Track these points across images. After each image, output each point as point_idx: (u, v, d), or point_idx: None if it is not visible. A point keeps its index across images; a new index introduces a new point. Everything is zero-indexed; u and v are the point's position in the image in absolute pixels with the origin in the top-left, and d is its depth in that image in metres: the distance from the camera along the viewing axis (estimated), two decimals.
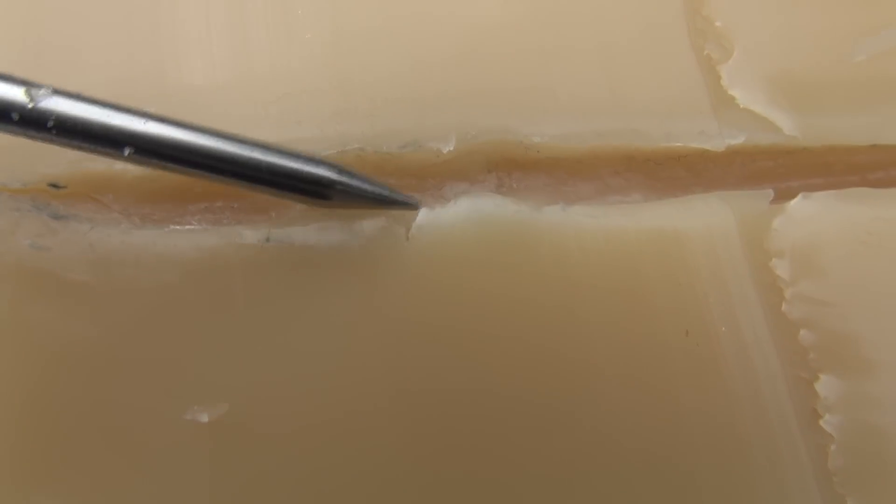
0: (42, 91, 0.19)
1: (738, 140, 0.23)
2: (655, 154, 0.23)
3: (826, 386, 0.21)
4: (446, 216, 0.22)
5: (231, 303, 0.22)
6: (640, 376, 0.21)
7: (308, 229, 0.22)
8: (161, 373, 0.22)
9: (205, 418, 0.21)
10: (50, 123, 0.19)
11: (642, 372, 0.21)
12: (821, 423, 0.21)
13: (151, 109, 0.19)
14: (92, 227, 0.23)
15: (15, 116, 0.18)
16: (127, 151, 0.19)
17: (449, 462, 0.21)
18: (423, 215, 0.22)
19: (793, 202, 0.22)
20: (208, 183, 0.23)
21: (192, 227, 0.23)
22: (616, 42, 0.23)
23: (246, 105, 0.23)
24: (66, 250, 0.22)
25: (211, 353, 0.22)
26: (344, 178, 0.20)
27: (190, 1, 0.24)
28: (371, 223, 0.23)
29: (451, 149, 0.23)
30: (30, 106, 0.18)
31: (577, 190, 0.24)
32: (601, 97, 0.23)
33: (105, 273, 0.22)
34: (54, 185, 0.23)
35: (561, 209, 0.22)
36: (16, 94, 0.18)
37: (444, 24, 0.23)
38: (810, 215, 0.22)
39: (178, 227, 0.23)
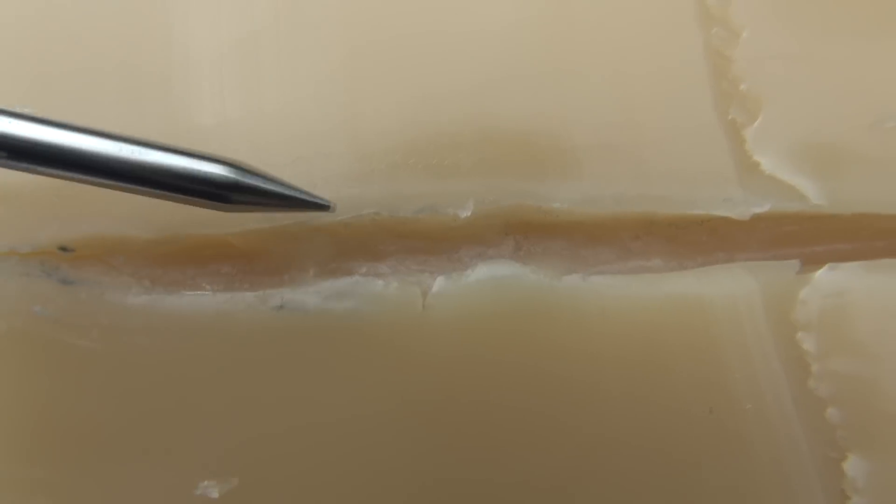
0: None
1: (763, 208, 0.22)
2: (678, 219, 0.23)
3: (855, 466, 0.21)
4: (463, 285, 0.22)
5: (243, 372, 0.22)
6: (662, 455, 0.21)
7: (322, 297, 0.22)
8: (171, 445, 0.21)
9: (215, 494, 0.21)
10: None
11: (665, 451, 0.21)
12: None
13: None
14: (101, 291, 0.22)
15: None
16: None
17: None
18: (439, 284, 0.22)
19: (819, 272, 0.22)
20: (221, 244, 0.23)
21: (204, 291, 0.23)
22: (638, 105, 0.23)
23: None
24: (74, 316, 0.22)
25: (222, 425, 0.21)
26: (243, 178, 0.18)
27: (202, 57, 0.23)
28: (387, 290, 0.22)
29: (469, 214, 0.22)
30: None
31: (597, 254, 0.23)
32: (622, 162, 0.22)
33: (114, 340, 0.22)
34: (64, 249, 0.22)
35: (581, 279, 0.22)
36: None
37: (461, 87, 0.23)
38: (838, 287, 0.21)
39: (189, 293, 0.22)
